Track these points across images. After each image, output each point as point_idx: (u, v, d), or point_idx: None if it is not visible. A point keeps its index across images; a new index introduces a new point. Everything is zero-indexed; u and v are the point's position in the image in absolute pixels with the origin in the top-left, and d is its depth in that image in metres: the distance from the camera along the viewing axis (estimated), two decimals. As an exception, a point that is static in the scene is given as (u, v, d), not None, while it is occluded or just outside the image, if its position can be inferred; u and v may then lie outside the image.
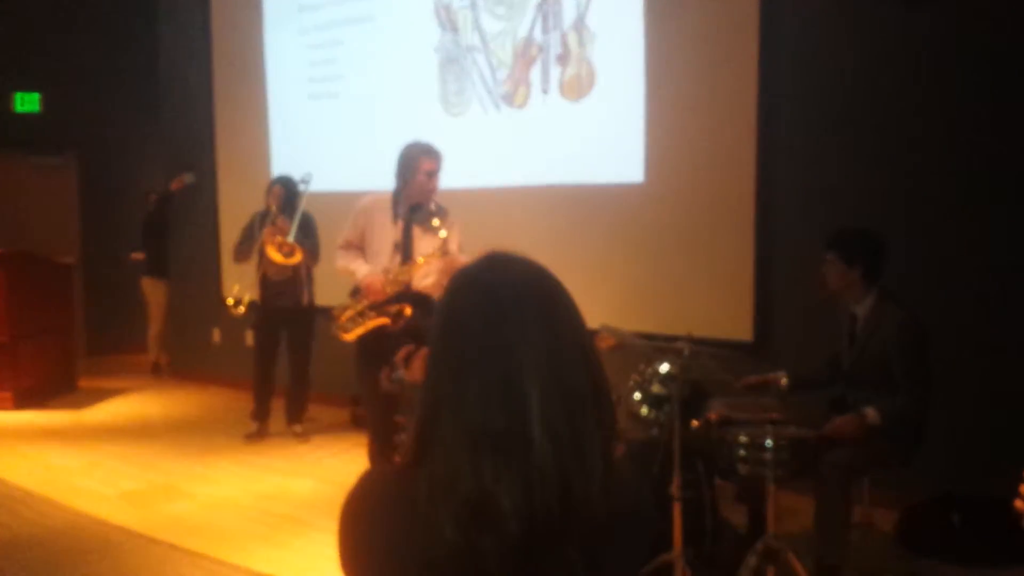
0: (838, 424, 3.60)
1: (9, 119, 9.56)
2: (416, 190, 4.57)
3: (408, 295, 4.52)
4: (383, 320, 4.52)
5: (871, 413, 3.57)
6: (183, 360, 8.88)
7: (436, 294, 4.57)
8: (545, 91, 5.93)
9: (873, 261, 3.75)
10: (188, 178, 8.41)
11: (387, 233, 4.60)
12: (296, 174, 6.19)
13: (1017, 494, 1.82)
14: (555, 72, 5.88)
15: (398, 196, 4.63)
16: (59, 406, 7.52)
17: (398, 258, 4.55)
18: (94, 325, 9.97)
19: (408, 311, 4.48)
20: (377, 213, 4.66)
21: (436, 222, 4.45)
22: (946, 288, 4.50)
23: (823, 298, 3.98)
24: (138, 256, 9.07)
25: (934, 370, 3.70)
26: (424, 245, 4.57)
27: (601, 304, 5.58)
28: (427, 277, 4.58)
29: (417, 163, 4.54)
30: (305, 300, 6.18)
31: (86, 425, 7.01)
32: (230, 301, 6.12)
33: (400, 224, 4.58)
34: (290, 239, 5.78)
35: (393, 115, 6.67)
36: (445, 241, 4.44)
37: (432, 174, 4.56)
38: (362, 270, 4.62)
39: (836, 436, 3.57)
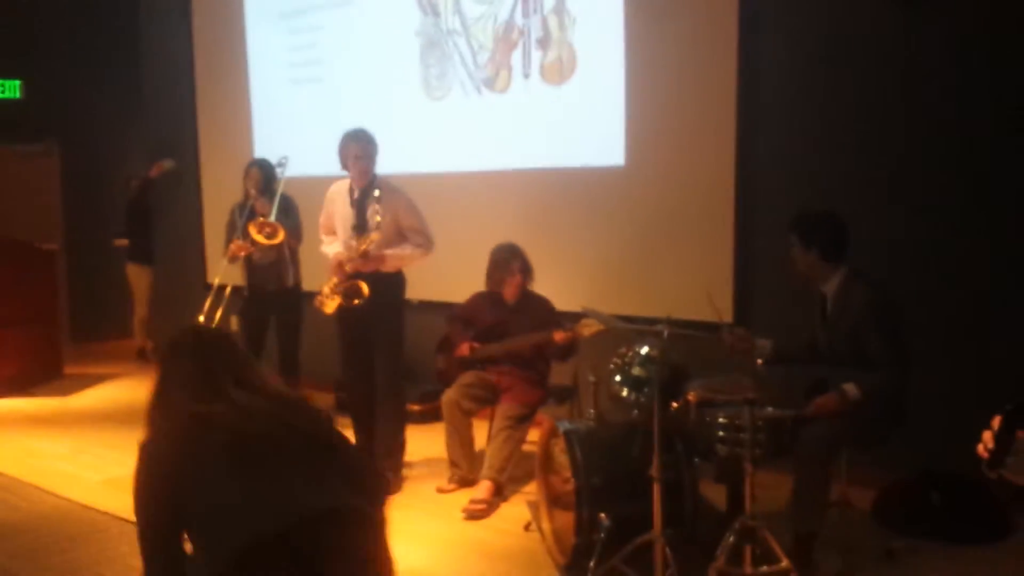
0: (820, 403, 3.63)
1: (-10, 105, 9.52)
2: (352, 175, 4.92)
3: (363, 274, 4.85)
4: (341, 299, 4.91)
5: (851, 389, 3.60)
6: (168, 346, 8.87)
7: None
8: (526, 75, 5.93)
9: (829, 242, 3.77)
10: (168, 164, 8.41)
11: (347, 216, 4.96)
12: (287, 155, 6.19)
13: (984, 439, 1.86)
14: (536, 56, 5.88)
15: (351, 182, 4.98)
16: (44, 393, 7.52)
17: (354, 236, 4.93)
18: (78, 311, 9.95)
19: (363, 285, 4.81)
20: (337, 198, 5.04)
21: (377, 207, 4.77)
22: (925, 269, 4.54)
23: (797, 281, 4.01)
24: (122, 242, 9.05)
25: (914, 349, 3.73)
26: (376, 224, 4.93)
27: (582, 286, 5.62)
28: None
29: (347, 150, 4.87)
30: (291, 281, 6.15)
31: (71, 411, 7.02)
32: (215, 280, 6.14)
33: (354, 208, 4.93)
34: (271, 219, 5.78)
35: (375, 99, 6.68)
36: (377, 224, 4.75)
37: (358, 158, 4.85)
38: (332, 251, 5.03)
39: (819, 415, 3.60)
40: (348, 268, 4.86)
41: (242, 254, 5.86)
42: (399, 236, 4.93)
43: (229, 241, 6.13)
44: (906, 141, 4.60)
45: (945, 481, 4.20)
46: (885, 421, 3.73)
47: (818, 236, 3.77)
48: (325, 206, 5.13)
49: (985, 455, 1.84)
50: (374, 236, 4.77)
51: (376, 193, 4.79)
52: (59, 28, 9.72)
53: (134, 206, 8.80)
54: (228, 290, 6.12)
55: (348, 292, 4.85)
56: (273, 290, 6.11)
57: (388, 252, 4.89)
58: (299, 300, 6.19)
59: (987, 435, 1.84)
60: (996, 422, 1.83)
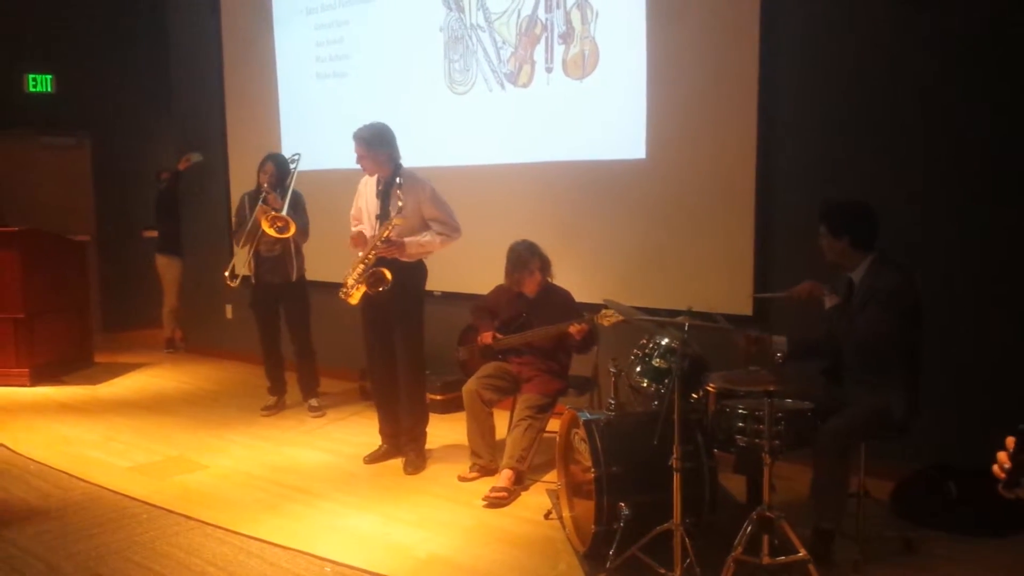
0: (801, 285, 3.94)
1: (23, 100, 9.65)
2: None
3: (385, 261, 4.95)
4: (365, 286, 5.00)
5: (832, 297, 3.83)
6: (196, 335, 9.01)
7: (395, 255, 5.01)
8: (549, 69, 5.96)
9: (859, 230, 3.79)
10: (195, 157, 8.53)
11: (373, 206, 5.10)
12: (299, 152, 6.31)
13: (1000, 460, 1.82)
14: (559, 50, 5.91)
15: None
16: (75, 381, 7.65)
17: (378, 226, 5.05)
18: (109, 301, 10.10)
19: (387, 273, 4.91)
20: (365, 189, 5.18)
21: (399, 193, 4.90)
22: (943, 260, 4.54)
23: (825, 270, 4.02)
24: (151, 233, 9.19)
25: (932, 342, 3.73)
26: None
27: (603, 279, 5.66)
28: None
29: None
30: (295, 275, 6.28)
31: (102, 400, 7.14)
32: (227, 274, 6.29)
33: (378, 199, 5.07)
34: (283, 214, 5.89)
35: (400, 94, 6.74)
36: (399, 209, 4.86)
37: (359, 158, 5.05)
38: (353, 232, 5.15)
39: (796, 296, 3.94)
40: (372, 254, 4.94)
41: (262, 219, 5.94)
42: (422, 226, 5.01)
43: (237, 226, 6.31)
44: (925, 134, 4.59)
45: (962, 473, 4.20)
46: (903, 413, 3.74)
47: (848, 224, 3.80)
48: (356, 198, 5.24)
49: (1002, 475, 1.80)
50: (396, 221, 4.86)
51: (398, 180, 4.90)
52: (90, 24, 9.86)
53: (163, 198, 8.92)
54: (239, 280, 6.26)
55: (373, 279, 4.93)
56: (278, 283, 6.27)
57: (408, 239, 4.97)
58: (304, 291, 6.38)
59: (1002, 456, 1.80)
60: (1011, 442, 1.79)
